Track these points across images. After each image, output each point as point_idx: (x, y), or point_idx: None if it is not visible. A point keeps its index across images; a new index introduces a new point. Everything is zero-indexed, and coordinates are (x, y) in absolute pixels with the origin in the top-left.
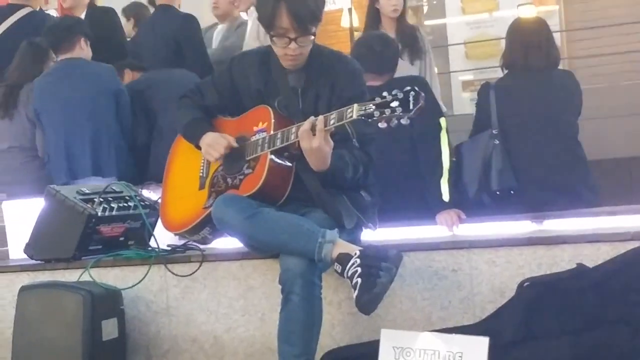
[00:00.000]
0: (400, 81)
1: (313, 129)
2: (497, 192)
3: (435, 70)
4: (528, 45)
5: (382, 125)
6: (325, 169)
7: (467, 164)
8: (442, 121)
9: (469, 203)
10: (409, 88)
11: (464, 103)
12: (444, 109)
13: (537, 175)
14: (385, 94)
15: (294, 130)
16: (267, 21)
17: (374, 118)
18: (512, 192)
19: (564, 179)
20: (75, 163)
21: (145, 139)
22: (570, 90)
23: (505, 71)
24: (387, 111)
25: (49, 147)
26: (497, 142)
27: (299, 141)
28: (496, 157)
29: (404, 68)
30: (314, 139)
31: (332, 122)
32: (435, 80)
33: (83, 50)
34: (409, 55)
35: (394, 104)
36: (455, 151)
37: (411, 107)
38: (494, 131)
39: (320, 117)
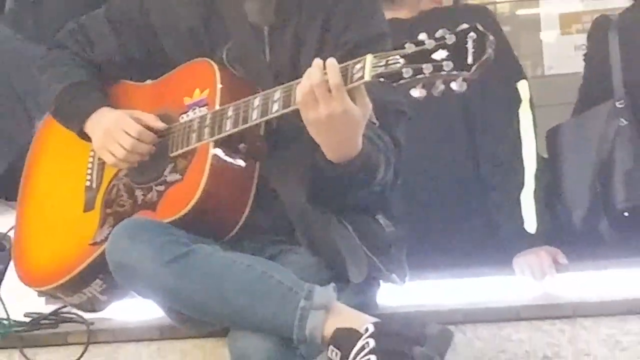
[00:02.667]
0: (447, 14)
1: (321, 85)
2: (625, 214)
3: None
4: None
5: (418, 93)
6: (353, 157)
7: (570, 163)
8: (523, 87)
9: (574, 234)
10: (466, 26)
11: (563, 54)
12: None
13: None
14: (423, 36)
15: (257, 103)
16: None
17: (404, 80)
18: None
19: None
20: None
21: None
22: None
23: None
24: (427, 68)
25: None
26: (624, 122)
27: (267, 124)
28: (622, 150)
29: None
30: (331, 99)
31: None
32: None
33: None
34: None
35: (440, 54)
36: (549, 141)
37: (470, 60)
38: (617, 104)
39: (332, 62)
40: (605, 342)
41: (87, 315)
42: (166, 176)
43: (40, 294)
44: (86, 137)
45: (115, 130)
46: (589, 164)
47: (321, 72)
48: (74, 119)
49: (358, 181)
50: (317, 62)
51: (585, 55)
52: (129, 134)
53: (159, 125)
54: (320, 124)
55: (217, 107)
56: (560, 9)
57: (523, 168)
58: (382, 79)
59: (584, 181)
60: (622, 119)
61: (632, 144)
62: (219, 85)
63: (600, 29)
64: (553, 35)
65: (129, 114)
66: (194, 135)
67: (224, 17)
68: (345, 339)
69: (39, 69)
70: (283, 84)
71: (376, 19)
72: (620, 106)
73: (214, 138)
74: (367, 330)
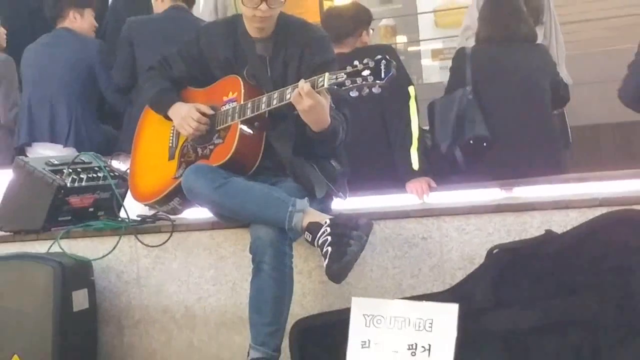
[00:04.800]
0: (370, 50)
1: (301, 91)
2: (470, 142)
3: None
4: (511, 14)
5: (354, 93)
6: (327, 127)
7: (440, 119)
8: (411, 89)
9: (442, 158)
10: (380, 57)
11: (433, 71)
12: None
13: (512, 131)
14: (356, 62)
15: (264, 99)
16: None
17: (346, 87)
18: (485, 144)
19: (539, 137)
20: (35, 126)
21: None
22: (544, 61)
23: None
24: (359, 80)
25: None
26: (471, 97)
27: (269, 111)
28: (469, 109)
29: None
30: (308, 96)
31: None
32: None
33: (76, 21)
34: None
35: (366, 72)
36: (429, 108)
37: (383, 75)
38: (467, 88)
39: (302, 82)
40: (457, 229)
41: (171, 216)
42: (214, 140)
43: (145, 205)
44: (169, 119)
45: (187, 117)
46: (451, 118)
47: (302, 84)
48: (162, 109)
49: (330, 141)
50: (301, 82)
51: (451, 68)
52: (194, 119)
53: (210, 112)
54: (305, 111)
55: (242, 102)
56: (432, 47)
57: (411, 134)
58: (335, 86)
59: (448, 127)
60: (469, 96)
61: (475, 107)
62: (243, 90)
63: (461, 54)
64: (428, 62)
65: (194, 106)
66: (229, 118)
67: (244, 51)
68: (314, 227)
69: (144, 79)
70: (279, 89)
71: (329, 51)
72: (468, 89)
73: (241, 119)
74: (326, 222)
